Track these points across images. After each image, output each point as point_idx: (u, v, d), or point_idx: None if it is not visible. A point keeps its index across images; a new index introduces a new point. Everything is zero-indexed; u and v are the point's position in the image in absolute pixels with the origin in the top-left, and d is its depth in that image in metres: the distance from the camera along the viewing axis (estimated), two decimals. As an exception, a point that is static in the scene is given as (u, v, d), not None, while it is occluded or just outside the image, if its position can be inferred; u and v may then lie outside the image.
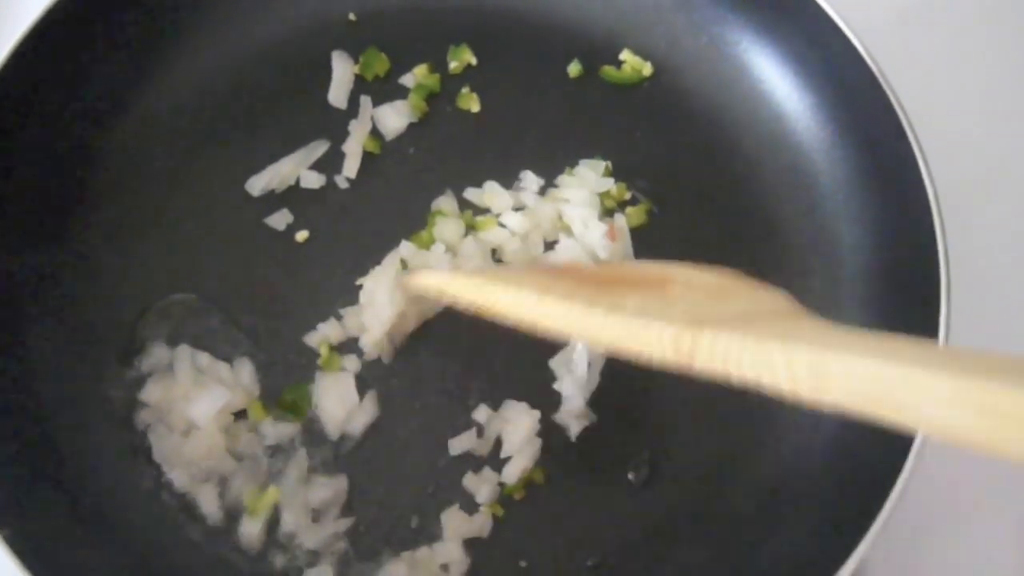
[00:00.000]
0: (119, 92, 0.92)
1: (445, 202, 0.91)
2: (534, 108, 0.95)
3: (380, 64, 0.96)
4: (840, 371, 0.51)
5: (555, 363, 0.84)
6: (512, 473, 0.80)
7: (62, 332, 0.84)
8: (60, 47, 0.87)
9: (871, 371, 0.49)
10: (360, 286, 0.87)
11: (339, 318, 0.86)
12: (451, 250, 0.88)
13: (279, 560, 0.78)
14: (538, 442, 0.82)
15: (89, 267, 0.87)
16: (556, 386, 0.84)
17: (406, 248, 0.87)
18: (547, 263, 0.88)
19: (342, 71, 0.95)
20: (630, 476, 0.83)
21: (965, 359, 0.48)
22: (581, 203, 0.89)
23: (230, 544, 0.79)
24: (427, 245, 0.88)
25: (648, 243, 0.90)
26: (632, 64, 0.97)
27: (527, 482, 0.81)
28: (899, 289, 0.84)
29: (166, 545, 0.79)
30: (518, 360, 0.85)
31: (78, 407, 0.82)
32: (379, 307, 0.84)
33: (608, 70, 0.97)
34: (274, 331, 0.86)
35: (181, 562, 0.78)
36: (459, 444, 0.82)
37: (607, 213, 0.90)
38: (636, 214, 0.91)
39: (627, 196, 0.92)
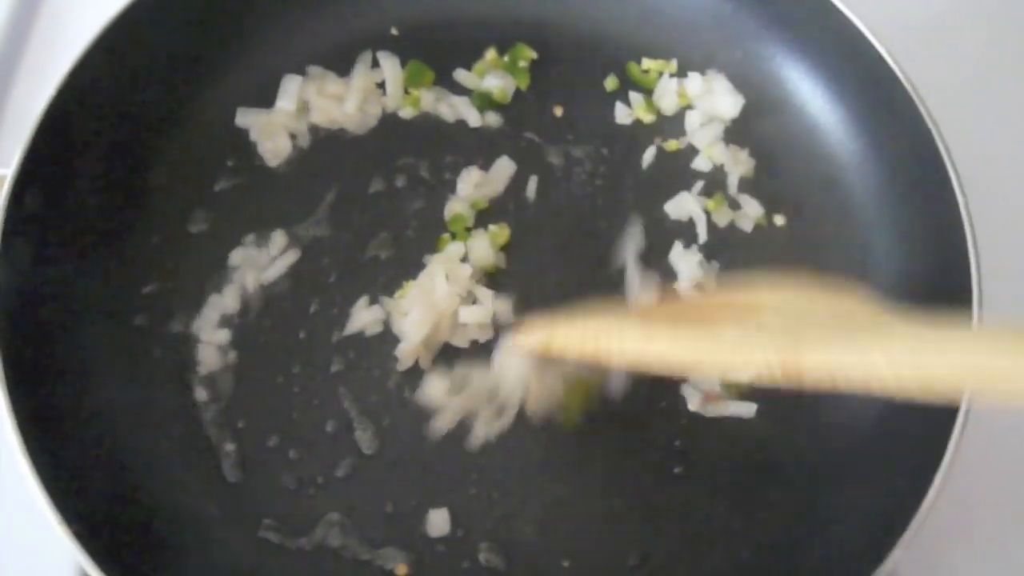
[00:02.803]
0: (178, 101, 0.95)
1: (458, 206, 0.93)
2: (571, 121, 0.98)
3: (426, 76, 0.98)
4: (938, 364, 0.57)
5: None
6: None
7: (118, 340, 0.86)
8: (122, 56, 0.89)
9: (966, 361, 0.57)
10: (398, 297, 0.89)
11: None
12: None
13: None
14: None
15: (140, 275, 0.89)
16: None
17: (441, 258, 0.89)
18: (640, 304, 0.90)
19: (392, 71, 0.98)
20: (676, 471, 0.84)
21: None
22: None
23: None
24: (445, 247, 0.90)
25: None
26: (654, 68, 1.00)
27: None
28: (931, 299, 0.84)
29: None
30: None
31: (141, 423, 0.84)
32: (416, 316, 0.86)
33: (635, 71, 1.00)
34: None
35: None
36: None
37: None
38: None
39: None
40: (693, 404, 0.86)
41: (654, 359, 0.67)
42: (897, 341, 0.60)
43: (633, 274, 0.90)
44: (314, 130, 0.97)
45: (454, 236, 0.91)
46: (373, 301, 0.89)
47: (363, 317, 0.88)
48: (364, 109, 0.98)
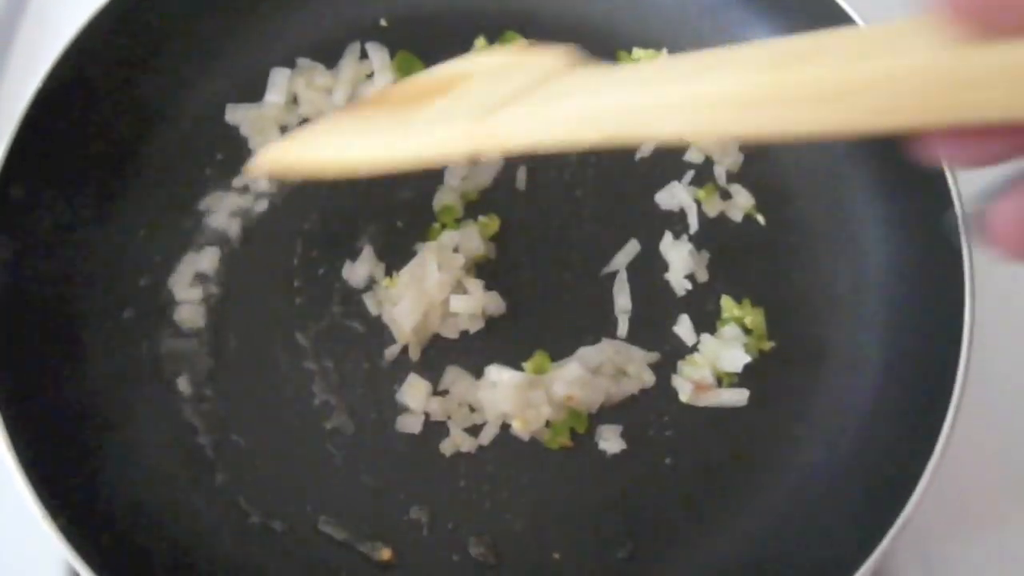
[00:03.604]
0: (166, 95, 0.94)
1: (447, 197, 0.92)
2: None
3: (415, 67, 0.98)
4: (601, 108, 0.53)
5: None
6: None
7: (106, 336, 0.86)
8: (108, 48, 0.89)
9: (625, 101, 0.52)
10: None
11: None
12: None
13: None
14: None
15: (130, 271, 0.89)
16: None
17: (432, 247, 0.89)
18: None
19: (381, 62, 0.98)
20: (667, 461, 0.84)
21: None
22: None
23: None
24: (436, 236, 0.90)
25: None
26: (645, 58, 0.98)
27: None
28: (923, 287, 0.85)
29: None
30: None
31: (127, 415, 0.84)
32: (407, 304, 0.85)
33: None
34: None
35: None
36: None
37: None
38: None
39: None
40: (684, 395, 0.85)
41: (355, 162, 0.65)
42: (578, 93, 0.55)
43: (623, 280, 0.90)
44: (305, 123, 0.96)
45: (444, 227, 0.91)
46: (365, 290, 0.89)
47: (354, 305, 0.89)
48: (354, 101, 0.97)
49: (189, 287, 0.89)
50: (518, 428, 0.83)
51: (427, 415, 0.84)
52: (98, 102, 0.90)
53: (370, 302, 0.89)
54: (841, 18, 0.89)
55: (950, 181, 0.82)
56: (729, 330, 0.87)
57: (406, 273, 0.88)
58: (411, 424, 0.84)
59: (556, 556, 0.80)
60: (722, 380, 0.86)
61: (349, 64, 0.98)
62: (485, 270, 0.90)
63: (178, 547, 0.79)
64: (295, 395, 0.86)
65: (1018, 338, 0.90)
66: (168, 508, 0.80)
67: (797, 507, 0.81)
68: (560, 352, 0.86)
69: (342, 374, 0.86)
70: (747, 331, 0.87)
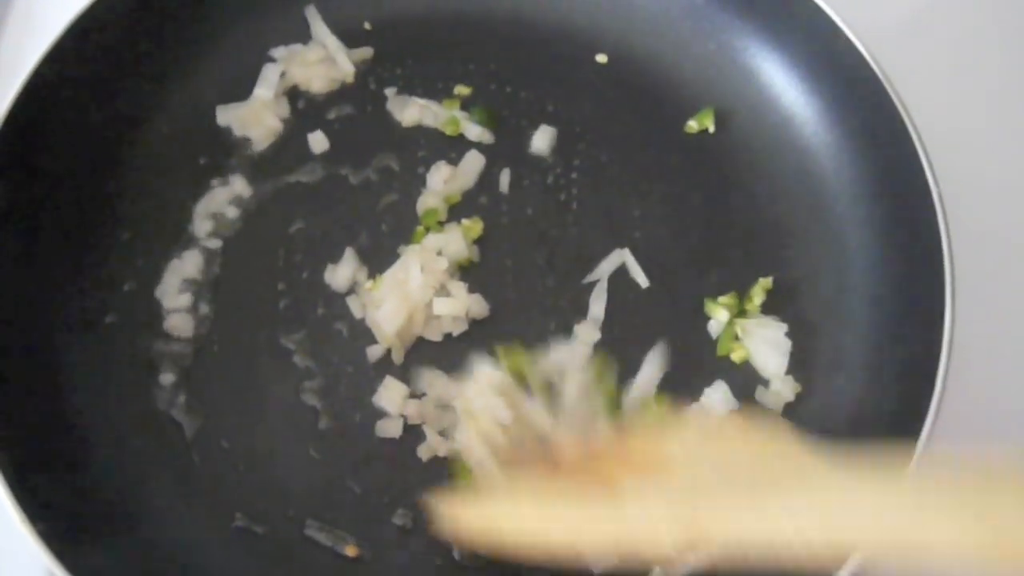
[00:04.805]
0: (149, 97, 0.94)
1: (431, 200, 0.92)
2: (543, 108, 0.98)
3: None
4: (848, 529, 0.52)
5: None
6: None
7: (89, 340, 0.86)
8: (93, 49, 0.89)
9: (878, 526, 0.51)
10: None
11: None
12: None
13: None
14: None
15: (113, 275, 0.89)
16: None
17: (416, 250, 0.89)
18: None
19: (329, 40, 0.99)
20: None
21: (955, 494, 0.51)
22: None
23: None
24: (420, 239, 0.90)
25: (658, 246, 0.92)
26: None
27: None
28: (905, 289, 0.85)
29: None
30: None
31: (110, 418, 0.83)
32: (390, 307, 0.85)
33: None
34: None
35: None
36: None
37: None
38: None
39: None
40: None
41: (554, 546, 0.61)
42: (810, 501, 0.53)
43: (602, 289, 0.90)
44: (292, 120, 0.97)
45: (428, 230, 0.91)
46: (348, 292, 0.89)
47: (338, 308, 0.89)
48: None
49: (177, 295, 0.88)
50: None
51: (405, 418, 0.84)
52: (80, 103, 0.89)
53: (354, 305, 0.88)
54: (821, 20, 0.89)
55: (931, 184, 0.82)
56: None
57: (389, 276, 0.88)
58: (391, 428, 0.84)
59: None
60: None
61: (323, 32, 0.99)
62: (468, 273, 0.90)
63: (160, 551, 0.78)
64: (280, 399, 0.85)
65: (996, 337, 0.90)
66: (151, 512, 0.80)
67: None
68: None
69: (326, 377, 0.86)
70: None
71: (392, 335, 0.85)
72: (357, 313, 0.88)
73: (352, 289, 0.89)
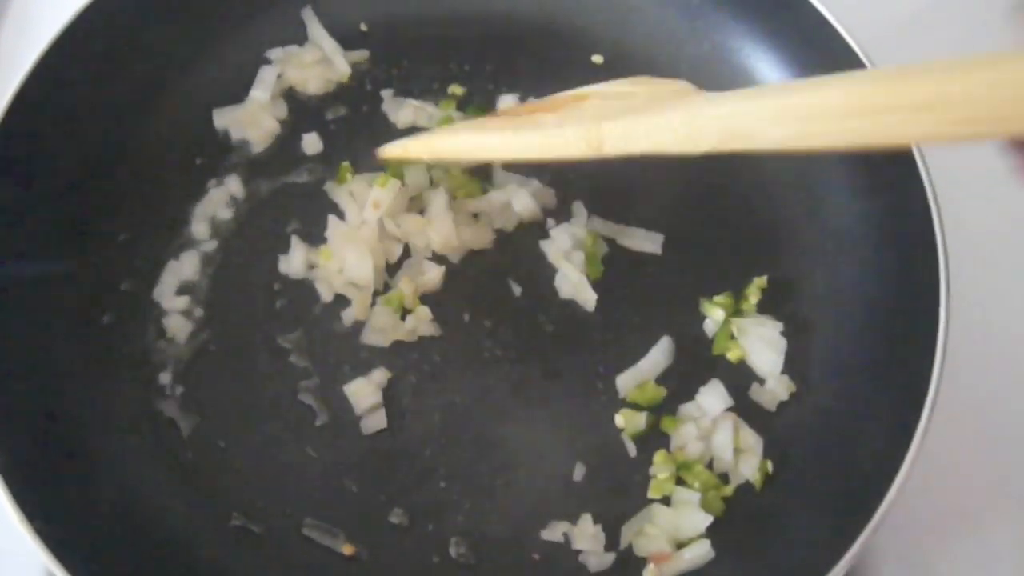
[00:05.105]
0: (145, 98, 0.95)
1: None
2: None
3: None
4: (716, 115, 0.62)
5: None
6: None
7: (86, 340, 0.86)
8: (89, 49, 0.89)
9: (734, 110, 0.61)
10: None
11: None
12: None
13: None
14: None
15: (110, 276, 0.89)
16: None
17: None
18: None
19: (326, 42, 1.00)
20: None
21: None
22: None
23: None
24: (384, 183, 0.90)
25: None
26: None
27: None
28: (900, 288, 0.85)
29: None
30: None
31: (107, 417, 0.84)
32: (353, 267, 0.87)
33: None
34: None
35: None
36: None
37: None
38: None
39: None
40: (649, 574, 0.79)
41: (484, 151, 0.76)
42: (698, 104, 0.65)
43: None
44: (289, 121, 0.97)
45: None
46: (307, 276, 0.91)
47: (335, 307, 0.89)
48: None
49: (175, 296, 0.89)
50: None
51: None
52: (77, 105, 0.90)
53: (321, 288, 0.89)
54: (815, 21, 0.89)
55: (926, 182, 0.83)
56: (682, 493, 0.81)
57: (332, 234, 0.90)
58: (375, 422, 0.84)
59: (536, 557, 0.80)
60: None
61: (319, 33, 1.00)
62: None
63: (157, 549, 0.79)
64: (277, 398, 0.86)
65: (991, 330, 0.91)
66: (148, 511, 0.80)
67: (775, 505, 0.82)
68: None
69: (323, 377, 0.86)
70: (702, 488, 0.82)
71: (368, 286, 0.87)
72: (325, 295, 0.88)
73: (311, 271, 0.90)
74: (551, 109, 0.77)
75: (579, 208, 0.93)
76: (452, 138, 0.82)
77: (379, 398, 0.85)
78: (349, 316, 0.88)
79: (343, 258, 0.88)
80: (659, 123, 0.65)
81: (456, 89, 0.98)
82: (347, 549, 0.80)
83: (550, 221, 0.93)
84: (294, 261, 0.90)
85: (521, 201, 0.92)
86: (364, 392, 0.85)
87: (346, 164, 0.92)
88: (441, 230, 0.89)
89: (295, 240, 0.91)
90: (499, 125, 0.78)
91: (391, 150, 0.85)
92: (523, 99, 0.98)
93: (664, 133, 0.64)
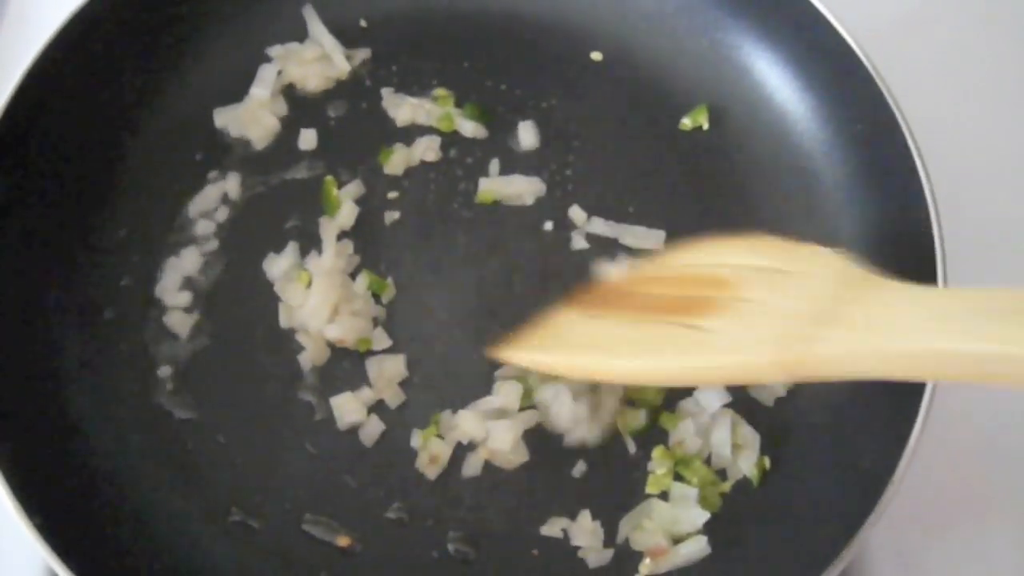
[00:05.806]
0: (144, 95, 0.95)
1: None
2: (538, 105, 0.98)
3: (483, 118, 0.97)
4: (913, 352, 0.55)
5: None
6: None
7: (87, 336, 0.86)
8: (88, 47, 0.89)
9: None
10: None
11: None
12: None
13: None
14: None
15: (111, 272, 0.89)
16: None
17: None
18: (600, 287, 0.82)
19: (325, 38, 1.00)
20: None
21: None
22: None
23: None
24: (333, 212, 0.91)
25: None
26: None
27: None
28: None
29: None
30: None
31: (107, 413, 0.84)
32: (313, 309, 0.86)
33: None
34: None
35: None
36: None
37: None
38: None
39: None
40: (645, 568, 0.79)
41: (638, 378, 0.63)
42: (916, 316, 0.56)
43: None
44: (289, 118, 0.97)
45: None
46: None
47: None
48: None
49: (176, 292, 0.89)
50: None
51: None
52: (76, 102, 0.90)
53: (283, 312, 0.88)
54: (814, 18, 0.89)
55: (923, 180, 0.83)
56: (680, 489, 0.81)
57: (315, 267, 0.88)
58: (370, 431, 0.84)
59: (535, 552, 0.81)
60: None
61: (319, 30, 0.99)
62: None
63: (157, 544, 0.79)
64: (276, 394, 0.86)
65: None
66: (147, 506, 0.81)
67: (772, 501, 0.82)
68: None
69: (322, 373, 0.86)
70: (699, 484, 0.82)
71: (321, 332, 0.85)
72: (283, 321, 0.88)
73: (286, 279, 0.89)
74: (671, 285, 0.65)
75: (578, 212, 0.93)
76: (590, 359, 0.69)
77: (363, 416, 0.84)
78: (306, 360, 0.87)
79: (306, 295, 0.87)
80: (864, 350, 0.55)
81: (455, 87, 0.98)
82: (343, 541, 0.80)
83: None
84: (276, 267, 0.89)
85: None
86: (350, 407, 0.84)
87: (330, 179, 0.92)
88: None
89: (292, 245, 0.90)
90: (646, 337, 0.63)
91: (516, 356, 0.77)
92: (524, 98, 0.98)
93: (873, 363, 0.55)
